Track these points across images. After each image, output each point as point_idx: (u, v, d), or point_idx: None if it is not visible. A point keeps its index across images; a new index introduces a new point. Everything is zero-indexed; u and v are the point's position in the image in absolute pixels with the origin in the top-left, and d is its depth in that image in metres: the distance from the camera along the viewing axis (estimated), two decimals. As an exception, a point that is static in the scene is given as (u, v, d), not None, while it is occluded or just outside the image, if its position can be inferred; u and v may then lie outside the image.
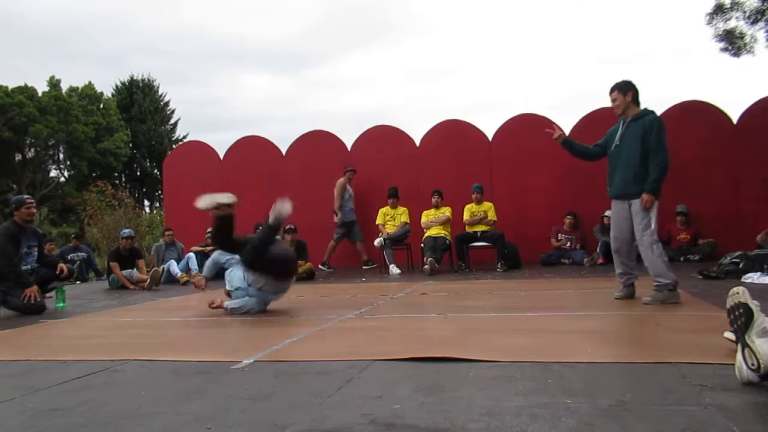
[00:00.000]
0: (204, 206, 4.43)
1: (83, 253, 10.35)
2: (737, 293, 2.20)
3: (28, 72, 51.12)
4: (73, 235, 11.08)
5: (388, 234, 8.37)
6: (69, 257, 9.88)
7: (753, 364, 2.00)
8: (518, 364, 2.48)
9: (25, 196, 5.81)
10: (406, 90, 61.00)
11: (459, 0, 63.93)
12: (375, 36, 66.13)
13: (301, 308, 4.82)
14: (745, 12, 10.15)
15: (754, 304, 2.14)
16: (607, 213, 8.57)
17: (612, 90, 4.48)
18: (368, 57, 62.51)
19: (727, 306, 2.22)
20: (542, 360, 2.52)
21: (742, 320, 2.12)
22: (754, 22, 10.14)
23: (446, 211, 8.43)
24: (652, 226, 4.24)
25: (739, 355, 2.08)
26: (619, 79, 4.50)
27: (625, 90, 4.43)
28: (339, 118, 57.70)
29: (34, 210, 5.67)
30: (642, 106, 4.48)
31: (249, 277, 4.52)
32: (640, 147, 4.28)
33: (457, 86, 61.33)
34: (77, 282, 9.05)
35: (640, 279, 4.56)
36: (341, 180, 9.22)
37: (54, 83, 30.14)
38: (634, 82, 4.48)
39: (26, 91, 28.04)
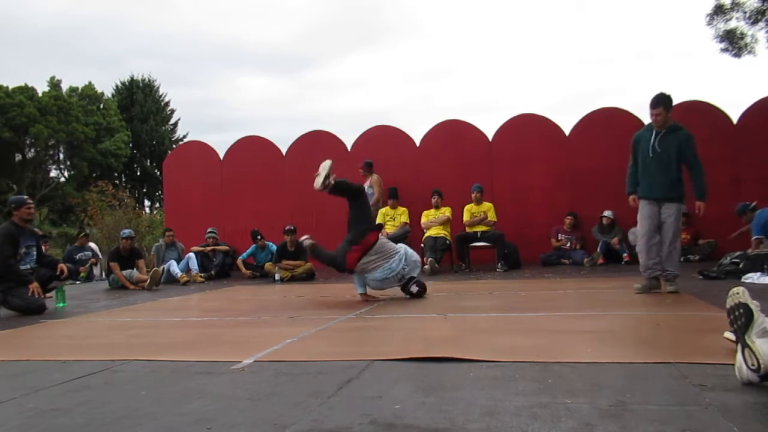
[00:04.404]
0: (320, 186, 4.82)
1: (89, 253, 10.09)
2: (737, 293, 2.20)
3: (28, 72, 51.26)
4: (81, 234, 10.60)
5: (387, 234, 8.36)
6: (77, 257, 9.73)
7: (753, 364, 2.00)
8: (518, 364, 2.48)
9: (25, 197, 5.84)
10: (405, 90, 61.10)
11: (458, 1, 63.97)
12: (374, 37, 66.26)
13: (301, 308, 4.82)
14: (745, 12, 10.12)
15: (754, 305, 2.14)
16: (606, 213, 8.61)
17: (657, 105, 4.77)
18: (367, 58, 62.62)
19: (727, 306, 2.22)
20: (542, 360, 2.52)
21: (742, 320, 2.12)
22: (755, 22, 10.11)
23: (446, 211, 8.43)
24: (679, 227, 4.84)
25: (739, 355, 2.08)
26: (659, 93, 4.80)
27: (669, 106, 4.78)
28: (339, 118, 57.81)
29: (34, 210, 5.71)
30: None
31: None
32: (676, 158, 4.77)
33: (457, 86, 61.42)
34: (77, 282, 9.01)
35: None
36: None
37: (54, 84, 30.17)
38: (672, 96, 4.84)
39: (26, 92, 28.07)
